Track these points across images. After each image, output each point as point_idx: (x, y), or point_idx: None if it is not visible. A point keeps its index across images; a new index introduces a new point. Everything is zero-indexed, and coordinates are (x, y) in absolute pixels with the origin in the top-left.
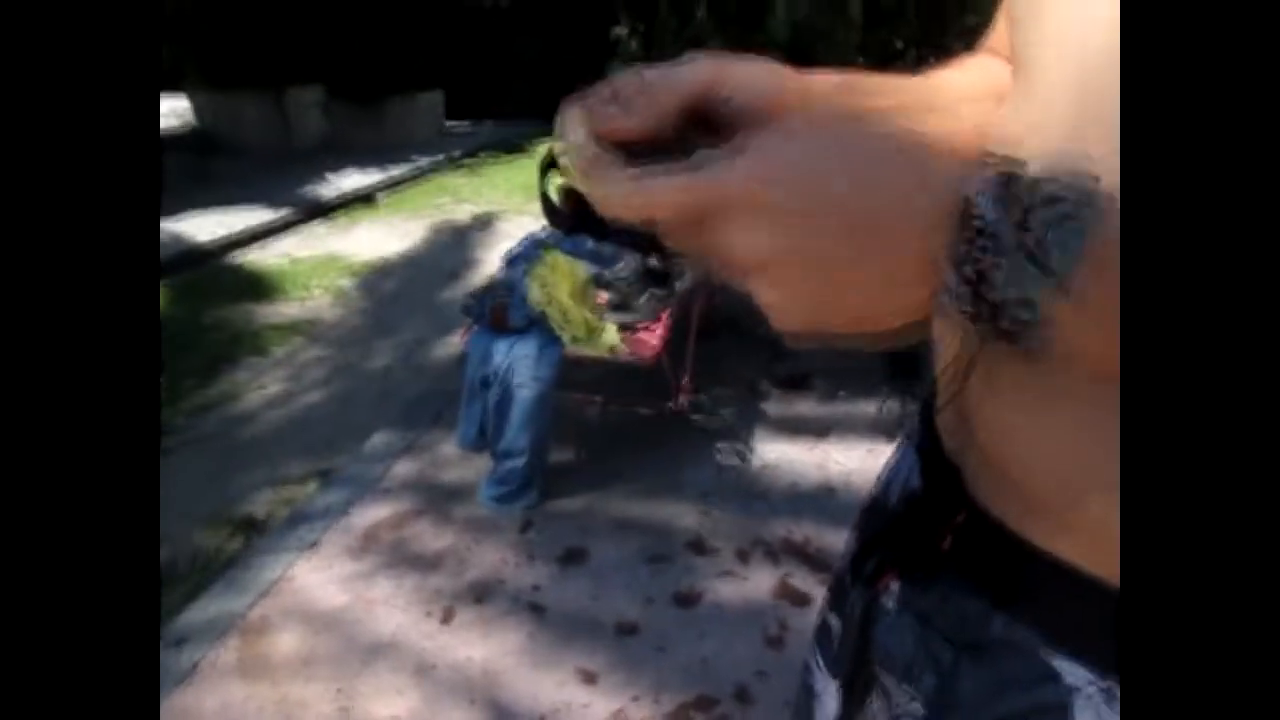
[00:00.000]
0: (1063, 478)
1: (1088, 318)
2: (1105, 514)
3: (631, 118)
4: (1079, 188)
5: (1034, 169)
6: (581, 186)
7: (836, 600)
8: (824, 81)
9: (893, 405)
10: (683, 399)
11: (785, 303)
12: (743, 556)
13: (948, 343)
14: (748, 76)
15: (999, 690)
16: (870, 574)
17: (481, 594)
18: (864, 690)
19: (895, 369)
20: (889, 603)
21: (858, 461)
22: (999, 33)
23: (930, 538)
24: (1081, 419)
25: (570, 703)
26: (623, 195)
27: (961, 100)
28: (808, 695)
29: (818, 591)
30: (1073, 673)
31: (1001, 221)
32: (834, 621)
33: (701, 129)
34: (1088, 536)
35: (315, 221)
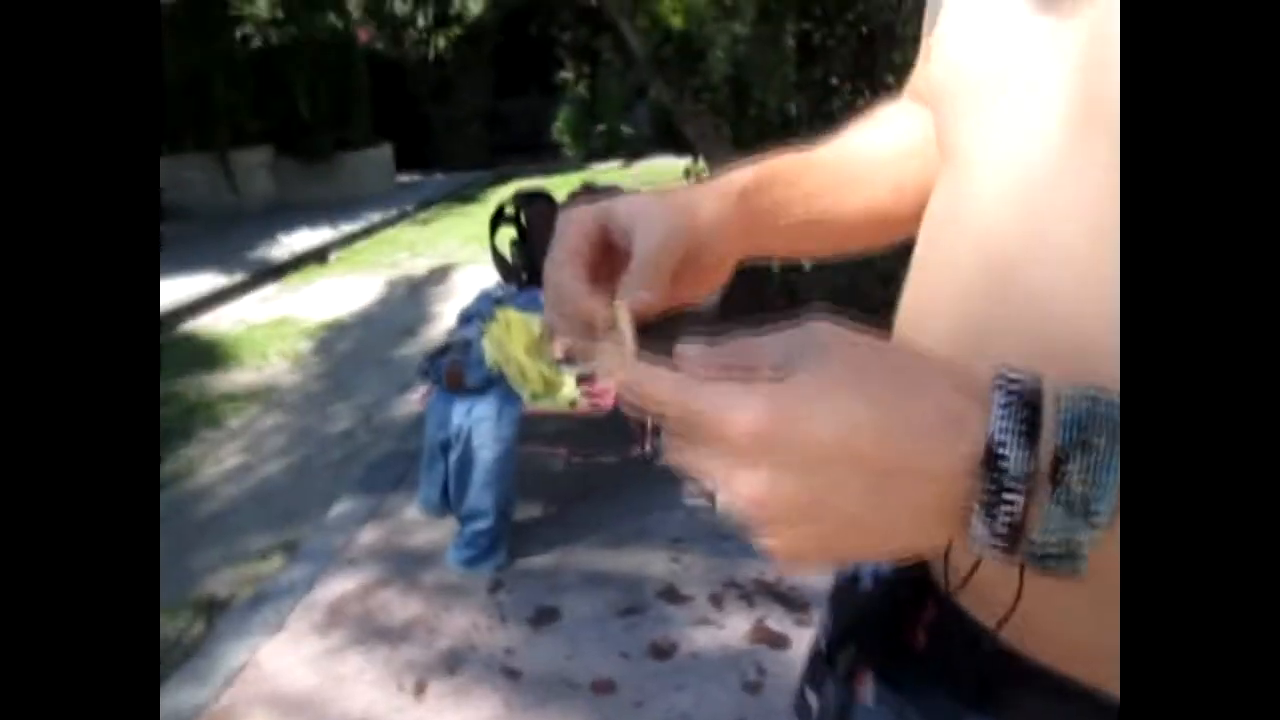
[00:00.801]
0: (1071, 642)
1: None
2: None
3: (651, 293)
4: (1107, 424)
5: (1051, 397)
6: (610, 375)
7: (814, 676)
8: (752, 178)
9: None
10: (649, 444)
11: (793, 548)
12: (716, 601)
13: None
14: (712, 212)
15: None
16: (846, 670)
17: (454, 663)
18: None
19: None
20: (866, 698)
21: None
22: (921, 75)
23: (903, 634)
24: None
25: None
26: (632, 386)
27: (880, 165)
28: None
29: (794, 633)
30: None
31: (1031, 470)
32: (813, 700)
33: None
34: (1075, 651)
35: (267, 284)
